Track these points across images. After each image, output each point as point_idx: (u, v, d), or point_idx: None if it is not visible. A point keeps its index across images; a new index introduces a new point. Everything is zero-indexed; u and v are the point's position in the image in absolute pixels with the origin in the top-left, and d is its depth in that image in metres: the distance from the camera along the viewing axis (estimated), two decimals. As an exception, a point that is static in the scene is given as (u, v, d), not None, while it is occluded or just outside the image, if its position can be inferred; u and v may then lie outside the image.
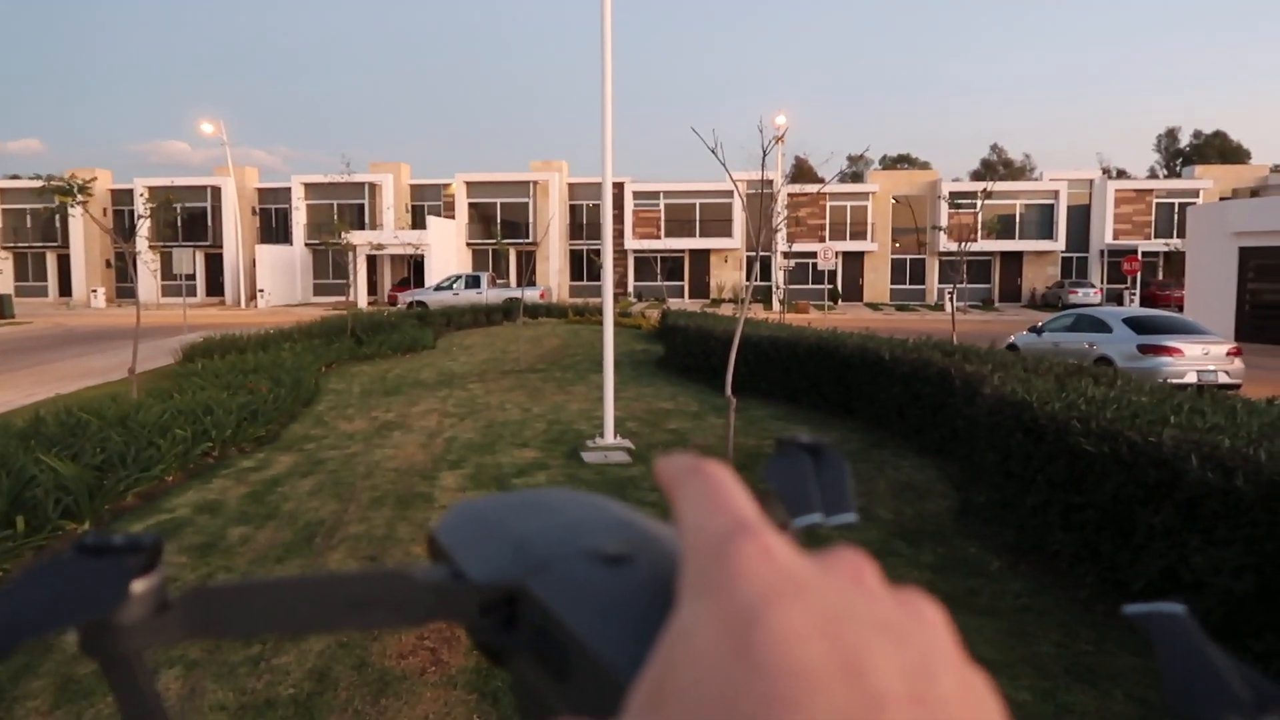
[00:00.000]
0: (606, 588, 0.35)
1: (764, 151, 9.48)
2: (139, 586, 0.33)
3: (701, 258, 45.60)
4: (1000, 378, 7.24)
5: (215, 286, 45.70)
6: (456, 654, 4.21)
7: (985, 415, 6.63)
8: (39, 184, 11.49)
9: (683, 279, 45.76)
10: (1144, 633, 0.33)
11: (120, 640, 0.33)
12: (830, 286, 43.70)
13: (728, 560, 0.27)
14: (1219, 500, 4.14)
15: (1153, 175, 70.87)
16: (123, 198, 44.54)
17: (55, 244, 46.16)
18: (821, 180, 13.03)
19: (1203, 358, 12.89)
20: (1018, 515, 5.89)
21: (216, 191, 44.47)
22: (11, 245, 46.31)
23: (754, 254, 8.86)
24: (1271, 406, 5.65)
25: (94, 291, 43.11)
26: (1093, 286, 40.84)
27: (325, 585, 0.36)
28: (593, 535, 0.40)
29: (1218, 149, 73.11)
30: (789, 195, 15.61)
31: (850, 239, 44.97)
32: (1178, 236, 40.42)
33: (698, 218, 44.77)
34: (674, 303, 36.55)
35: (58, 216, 44.47)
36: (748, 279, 9.63)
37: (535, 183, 45.13)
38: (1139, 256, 37.71)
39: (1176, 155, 77.80)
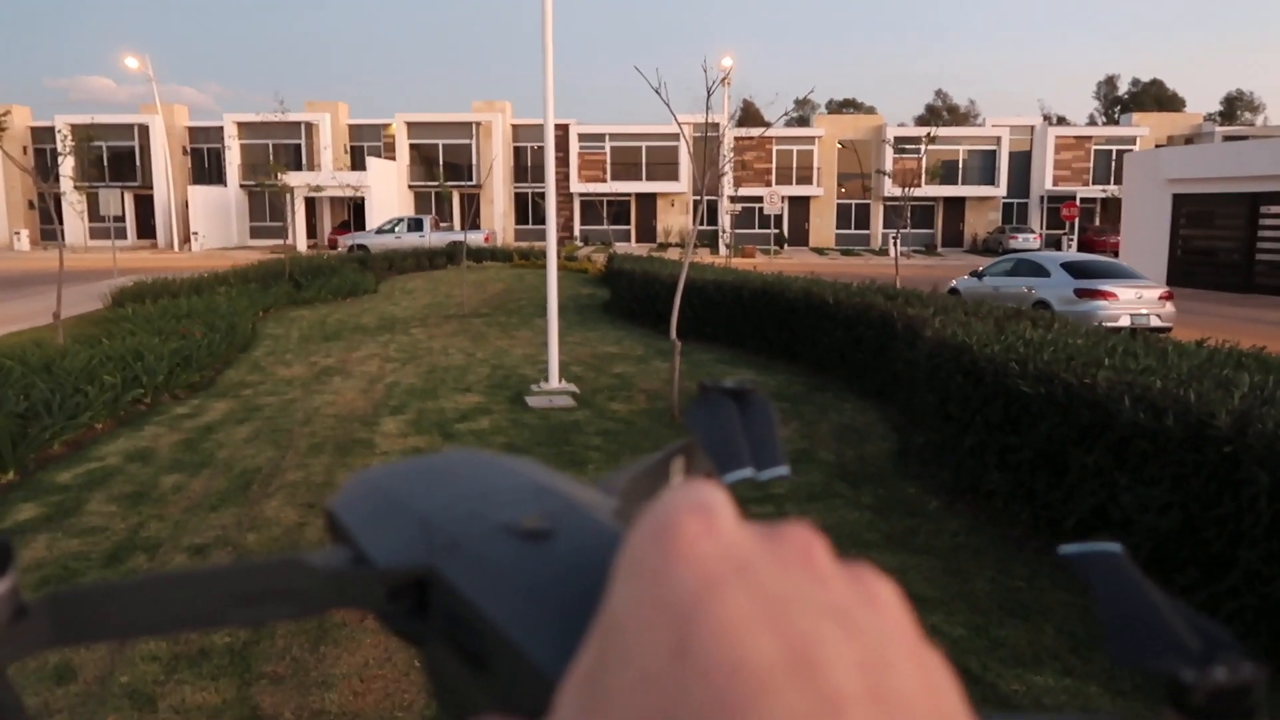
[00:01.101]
0: (526, 568, 0.32)
1: (709, 93, 9.36)
2: None
3: (648, 201, 45.31)
4: (941, 321, 7.31)
5: (146, 229, 44.20)
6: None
7: (925, 358, 6.71)
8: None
9: (629, 223, 45.48)
10: (1080, 574, 0.30)
11: None
12: (776, 231, 43.83)
13: (666, 538, 0.24)
14: (1148, 440, 4.23)
15: (1092, 122, 71.92)
16: (44, 136, 42.58)
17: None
18: (768, 124, 12.96)
19: (1136, 301, 13.22)
20: (956, 456, 6.00)
21: (144, 130, 42.76)
22: (-74, 185, 44.21)
23: (700, 198, 8.79)
24: (1200, 349, 5.79)
25: (16, 234, 41.42)
26: (1032, 232, 41.54)
27: (210, 579, 0.32)
28: (508, 507, 0.36)
29: (1154, 97, 74.34)
30: (735, 139, 15.53)
31: (796, 184, 45.00)
32: (1115, 183, 41.25)
33: (644, 161, 44.38)
34: (620, 247, 36.35)
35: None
36: (694, 223, 9.60)
37: (478, 124, 44.22)
38: (1077, 202, 38.41)
39: (1115, 102, 78.98)
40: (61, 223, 12.00)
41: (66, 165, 13.79)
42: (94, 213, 39.60)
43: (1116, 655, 0.28)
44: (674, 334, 8.27)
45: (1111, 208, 41.84)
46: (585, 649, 0.24)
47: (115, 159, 43.03)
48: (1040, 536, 5.01)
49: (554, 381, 8.91)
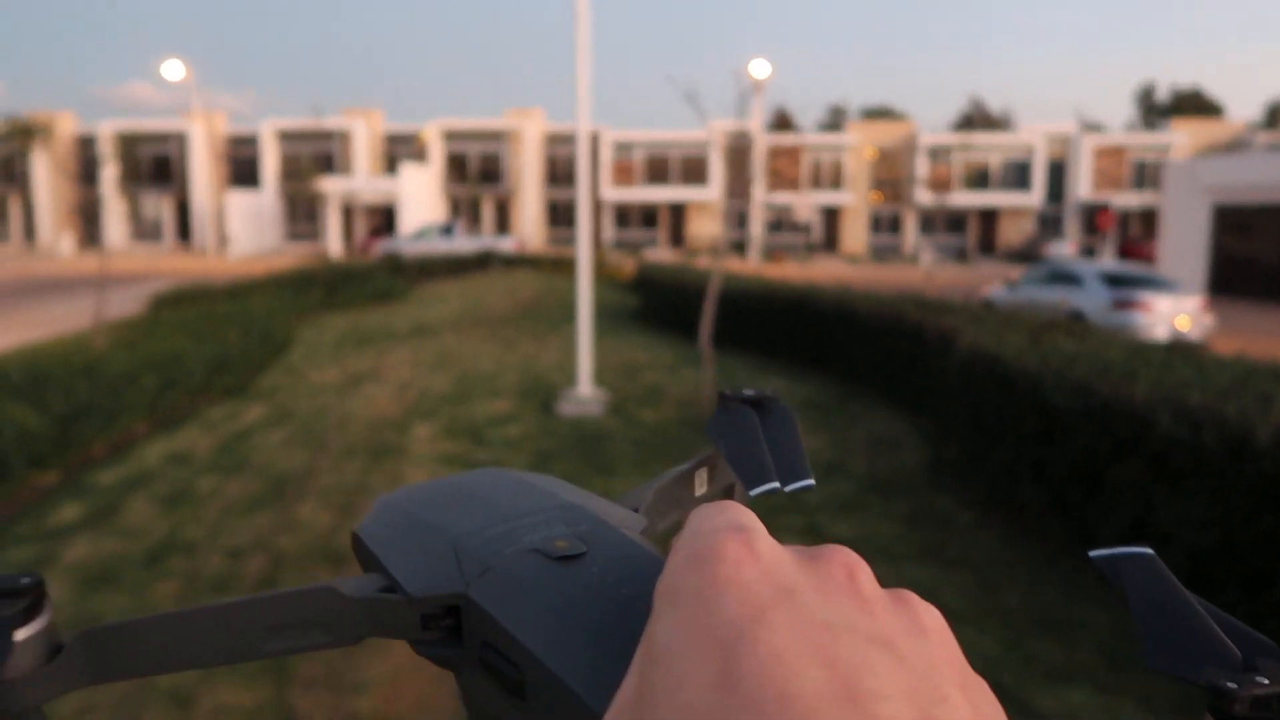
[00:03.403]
0: (560, 592, 0.31)
1: (741, 101, 9.38)
2: (23, 635, 0.29)
3: (679, 208, 45.37)
4: (974, 332, 7.26)
5: (184, 233, 44.94)
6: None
7: (958, 369, 6.66)
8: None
9: (661, 229, 45.55)
10: (1112, 579, 0.30)
11: (10, 697, 0.29)
12: (807, 238, 43.70)
13: (709, 565, 0.23)
14: (1186, 454, 4.18)
15: (1130, 129, 70.98)
16: (88, 142, 43.45)
17: (18, 188, 45.08)
18: (799, 130, 12.97)
19: (1174, 312, 13.02)
20: (989, 468, 5.95)
21: (183, 137, 43.51)
22: (-28, 189, 45.22)
23: (731, 204, 8.78)
24: (1239, 361, 5.70)
25: (60, 237, 42.27)
26: (1068, 240, 41.07)
27: (241, 610, 0.32)
28: (539, 528, 0.36)
29: (1193, 104, 73.24)
30: (767, 146, 15.52)
31: (828, 190, 44.85)
32: (1152, 190, 40.68)
33: (676, 168, 44.45)
34: (651, 253, 36.42)
35: (18, 160, 43.32)
36: (724, 231, 9.65)
37: (511, 131, 44.51)
38: (1110, 210, 37.90)
39: (1153, 109, 77.88)
40: (103, 227, 12.26)
41: (109, 172, 14.03)
42: (134, 217, 40.36)
43: (1154, 662, 0.28)
44: (704, 343, 8.28)
45: (1151, 215, 41.25)
46: (628, 678, 0.24)
47: (155, 165, 43.78)
48: (1075, 550, 4.95)
49: (584, 388, 8.94)
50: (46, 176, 43.53)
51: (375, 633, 0.34)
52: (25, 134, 10.96)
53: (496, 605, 0.32)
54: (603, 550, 0.34)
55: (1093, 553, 0.31)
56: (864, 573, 0.25)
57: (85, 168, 41.52)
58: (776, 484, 0.38)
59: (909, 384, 8.55)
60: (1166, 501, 4.27)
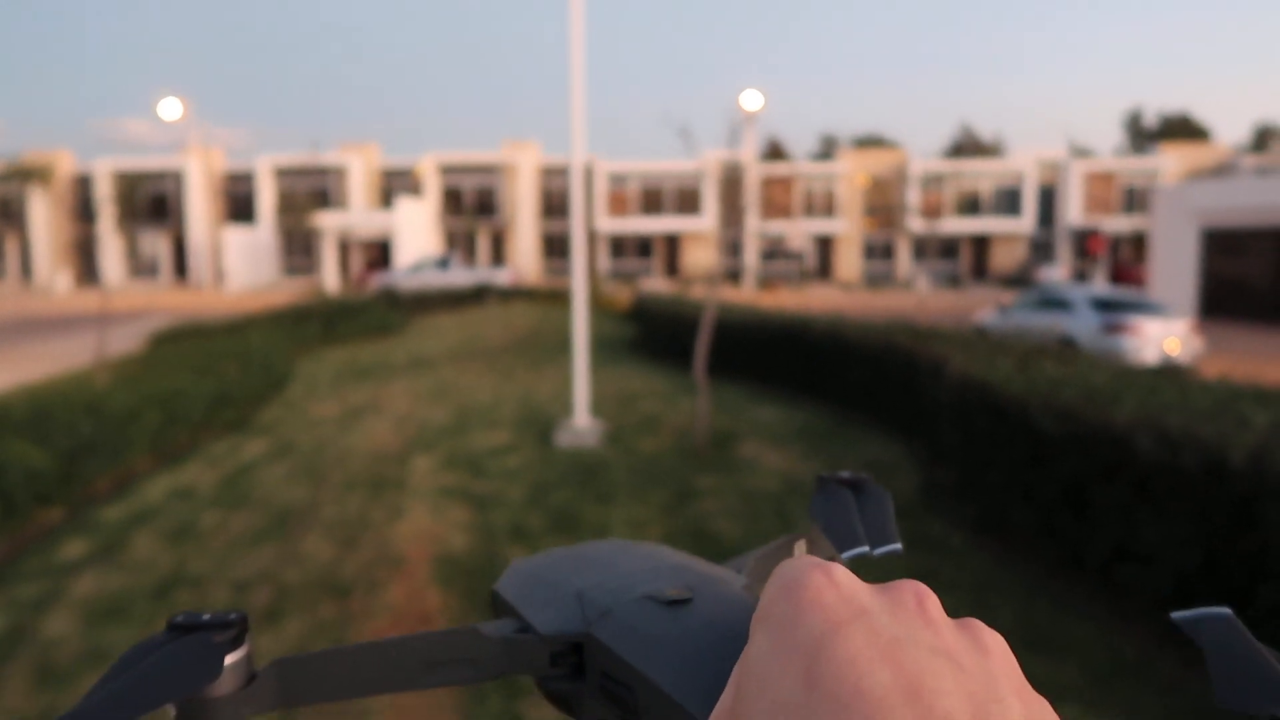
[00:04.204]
0: (670, 629, 0.38)
1: (734, 131, 9.57)
2: (231, 659, 0.36)
3: (674, 238, 45.66)
4: (964, 359, 7.39)
5: (180, 269, 45.11)
6: (434, 625, 4.28)
7: (949, 396, 6.78)
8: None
9: (655, 259, 45.81)
10: (1192, 635, 0.34)
11: (214, 713, 0.35)
12: (801, 266, 43.96)
13: (796, 591, 0.28)
14: (1166, 477, 4.29)
15: (1119, 154, 71.60)
16: (86, 181, 43.73)
17: (15, 226, 45.26)
18: (792, 159, 13.19)
19: (1164, 335, 13.16)
20: (980, 492, 6.05)
21: (180, 175, 43.80)
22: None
23: (726, 234, 8.94)
24: (1222, 384, 5.83)
25: (57, 275, 42.40)
26: (1059, 265, 41.36)
27: (401, 647, 0.39)
28: (651, 581, 0.42)
29: (1181, 128, 73.99)
30: (760, 176, 15.72)
31: (820, 219, 45.21)
32: (1142, 214, 41.04)
33: (670, 198, 44.79)
34: (646, 283, 36.64)
35: (14, 199, 43.52)
36: (719, 260, 9.78)
37: (506, 164, 44.87)
38: (1099, 235, 38.22)
39: (1141, 134, 78.64)
40: (102, 265, 12.37)
41: (107, 213, 14.19)
42: (132, 253, 40.52)
43: (1225, 701, 0.32)
44: (699, 373, 8.40)
45: (1140, 240, 41.60)
46: (727, 688, 0.29)
47: (152, 202, 44.03)
48: (1064, 572, 5.05)
49: (581, 419, 9.03)
50: (44, 214, 43.75)
51: (511, 669, 0.40)
52: (25, 176, 11.09)
53: (616, 641, 0.38)
54: (706, 597, 0.40)
55: (1174, 614, 0.36)
56: (932, 601, 0.29)
57: (82, 205, 41.76)
58: (866, 548, 0.44)
59: (901, 410, 8.67)
60: (1150, 523, 4.38)
